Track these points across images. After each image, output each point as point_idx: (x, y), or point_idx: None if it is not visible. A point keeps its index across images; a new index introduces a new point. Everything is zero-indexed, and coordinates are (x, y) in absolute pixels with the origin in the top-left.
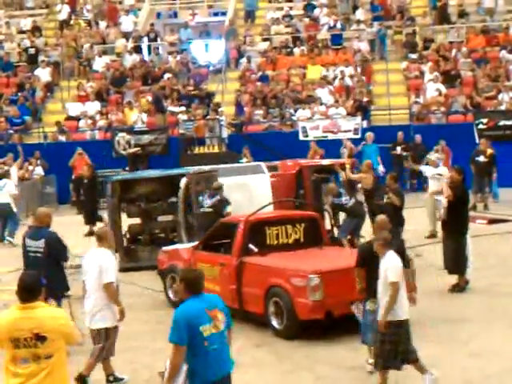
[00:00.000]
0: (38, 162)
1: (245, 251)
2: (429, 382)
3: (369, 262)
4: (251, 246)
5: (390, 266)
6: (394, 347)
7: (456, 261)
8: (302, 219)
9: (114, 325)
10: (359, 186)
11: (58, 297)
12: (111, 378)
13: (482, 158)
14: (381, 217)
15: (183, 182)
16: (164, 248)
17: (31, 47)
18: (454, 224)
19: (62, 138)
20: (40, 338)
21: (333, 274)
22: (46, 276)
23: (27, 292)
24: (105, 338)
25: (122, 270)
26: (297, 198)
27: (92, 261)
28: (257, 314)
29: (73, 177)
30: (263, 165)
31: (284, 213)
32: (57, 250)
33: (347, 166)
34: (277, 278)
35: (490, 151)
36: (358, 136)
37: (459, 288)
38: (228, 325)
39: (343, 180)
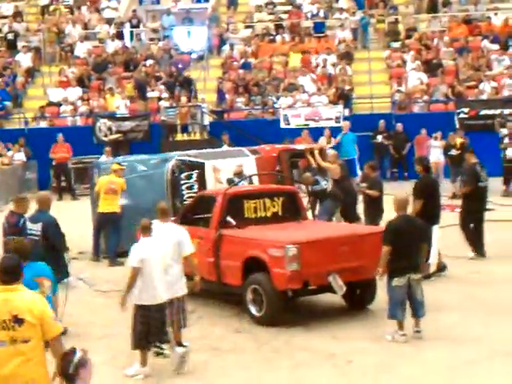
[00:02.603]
0: (22, 148)
1: (223, 224)
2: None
3: (396, 239)
4: (229, 219)
5: (132, 250)
6: (145, 329)
7: None
8: (280, 193)
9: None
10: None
11: (55, 282)
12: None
13: (453, 152)
14: (400, 196)
15: (169, 167)
16: None
17: (9, 32)
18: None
19: (43, 124)
20: (18, 321)
21: (310, 244)
22: (42, 259)
23: (7, 274)
24: (184, 305)
25: None
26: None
27: (165, 235)
28: (234, 285)
29: (53, 163)
30: (245, 149)
31: (262, 186)
32: (52, 235)
33: (315, 152)
34: (254, 250)
35: (460, 141)
36: (340, 124)
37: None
38: (54, 291)
39: (315, 166)
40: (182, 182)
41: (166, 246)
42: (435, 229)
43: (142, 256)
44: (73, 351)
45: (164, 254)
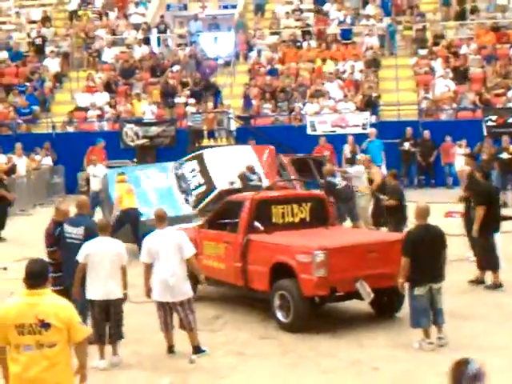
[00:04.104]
0: (48, 152)
1: (251, 229)
2: (111, 362)
3: (416, 249)
4: (257, 224)
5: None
6: (95, 323)
7: (485, 258)
8: (307, 199)
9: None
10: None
11: None
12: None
13: (505, 155)
14: (421, 205)
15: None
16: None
17: (37, 37)
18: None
19: (71, 129)
20: (45, 325)
21: (338, 250)
22: None
23: (34, 279)
24: (191, 307)
25: None
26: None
27: (165, 240)
28: (261, 291)
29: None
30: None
31: (290, 192)
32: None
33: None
34: (282, 255)
35: None
36: (367, 131)
37: (494, 286)
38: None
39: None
40: (185, 173)
41: (118, 247)
42: (498, 236)
43: (86, 252)
44: (467, 361)
45: (114, 254)
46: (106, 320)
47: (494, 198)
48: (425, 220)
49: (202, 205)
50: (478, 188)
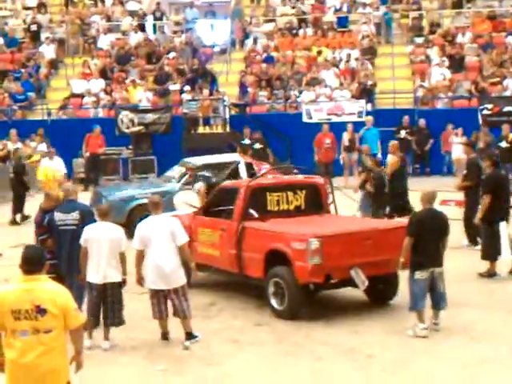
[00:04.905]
0: (42, 139)
1: (245, 216)
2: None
3: (419, 231)
4: (252, 211)
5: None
6: (91, 304)
7: (484, 246)
8: (303, 186)
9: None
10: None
11: None
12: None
13: (503, 144)
14: (427, 190)
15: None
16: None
17: (33, 24)
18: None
19: (66, 115)
20: (41, 311)
21: (333, 238)
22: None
23: (30, 265)
24: (185, 294)
25: None
26: None
27: (159, 226)
28: (255, 278)
29: (87, 154)
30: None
31: (285, 179)
32: (90, 223)
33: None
34: (277, 243)
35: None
36: (362, 119)
37: (488, 274)
38: None
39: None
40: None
41: (116, 232)
42: (503, 225)
43: (85, 236)
44: None
45: (112, 239)
46: (102, 304)
47: (502, 187)
48: (430, 205)
49: (183, 180)
50: (485, 176)
